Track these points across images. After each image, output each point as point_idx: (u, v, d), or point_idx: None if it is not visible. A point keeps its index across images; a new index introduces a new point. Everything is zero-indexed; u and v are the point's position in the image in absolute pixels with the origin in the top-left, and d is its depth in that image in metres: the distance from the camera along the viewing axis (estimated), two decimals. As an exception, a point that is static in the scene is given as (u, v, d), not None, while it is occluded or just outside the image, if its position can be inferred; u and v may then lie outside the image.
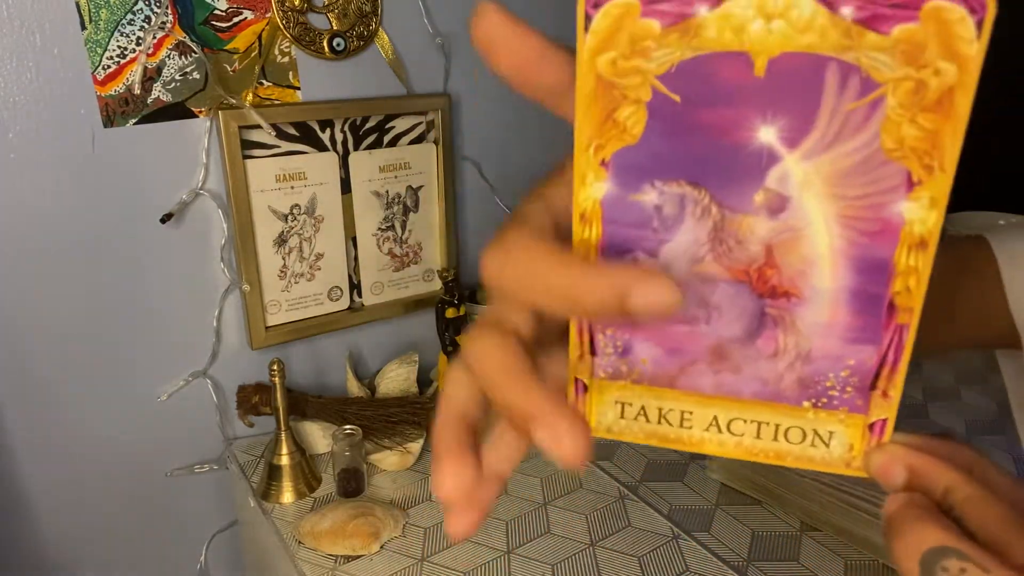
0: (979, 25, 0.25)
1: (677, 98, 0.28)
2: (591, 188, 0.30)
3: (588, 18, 0.28)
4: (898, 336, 0.29)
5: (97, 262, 0.76)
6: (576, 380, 0.33)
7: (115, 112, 0.73)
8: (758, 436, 0.33)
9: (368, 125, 0.87)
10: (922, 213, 0.28)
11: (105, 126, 0.73)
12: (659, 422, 0.33)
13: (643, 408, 0.34)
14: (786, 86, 0.28)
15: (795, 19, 0.27)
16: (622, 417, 0.34)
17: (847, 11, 0.26)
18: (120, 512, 0.84)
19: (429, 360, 0.97)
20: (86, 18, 0.70)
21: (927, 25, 0.26)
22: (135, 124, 0.75)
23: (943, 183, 0.27)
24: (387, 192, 0.91)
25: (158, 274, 0.80)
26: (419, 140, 0.91)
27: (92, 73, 0.71)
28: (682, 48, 0.28)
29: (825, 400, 0.31)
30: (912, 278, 0.29)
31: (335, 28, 0.82)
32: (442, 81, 0.92)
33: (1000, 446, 0.79)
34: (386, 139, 0.89)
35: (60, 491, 0.80)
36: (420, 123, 0.91)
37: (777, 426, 0.32)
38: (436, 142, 0.92)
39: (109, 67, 0.72)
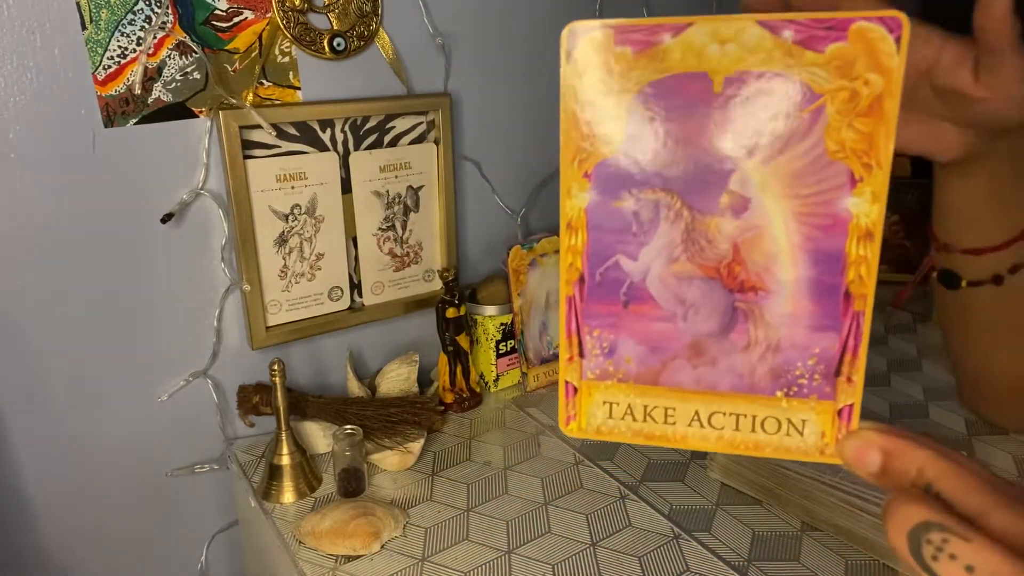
0: (898, 41, 0.29)
1: (650, 114, 0.32)
2: (576, 198, 0.34)
3: (570, 48, 0.32)
4: (856, 323, 0.33)
5: (97, 262, 0.76)
6: (567, 383, 0.37)
7: (115, 112, 0.73)
8: (737, 428, 0.35)
9: (368, 125, 0.87)
10: (866, 207, 0.31)
11: (106, 126, 0.73)
12: (645, 420, 0.36)
13: (629, 407, 0.36)
14: (741, 99, 0.31)
15: (745, 42, 0.31)
16: (610, 417, 0.36)
17: (788, 33, 0.30)
18: (120, 512, 0.84)
19: (429, 360, 0.97)
20: (87, 18, 0.70)
21: (855, 43, 0.30)
22: (135, 124, 0.75)
23: (881, 179, 0.31)
24: (387, 192, 0.91)
25: (158, 274, 0.80)
26: (419, 140, 0.91)
27: (92, 73, 0.71)
28: (651, 71, 0.32)
29: (796, 389, 0.34)
30: (863, 267, 0.32)
31: (335, 28, 0.82)
32: (442, 81, 0.92)
33: (1000, 446, 0.79)
34: (386, 139, 0.89)
35: (60, 491, 0.80)
36: (420, 123, 0.91)
37: (754, 417, 0.35)
38: (436, 142, 0.92)
39: (110, 67, 0.72)
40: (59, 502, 0.81)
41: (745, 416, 0.35)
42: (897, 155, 0.33)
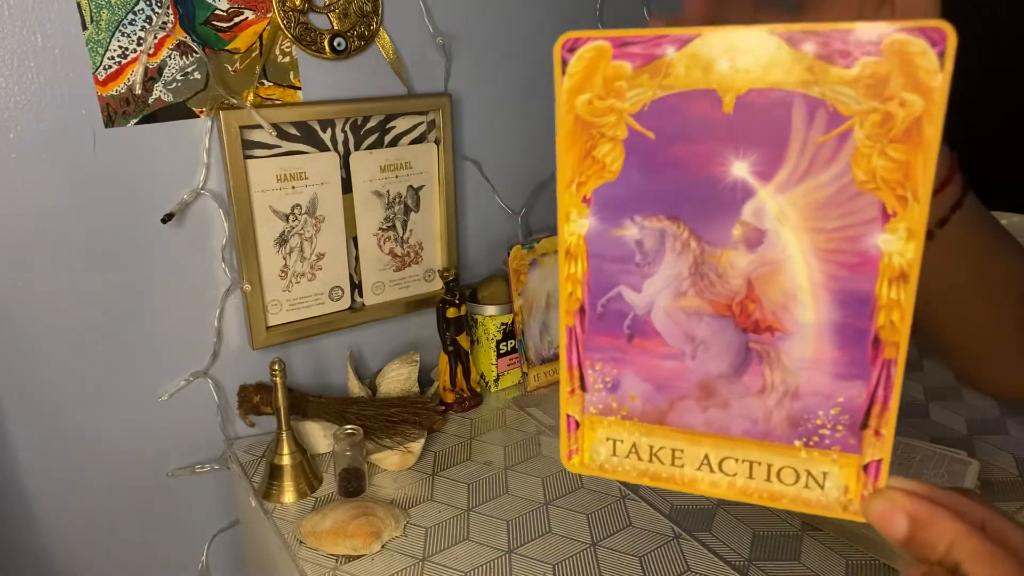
0: (941, 56, 0.26)
1: (652, 135, 0.30)
2: (575, 224, 0.32)
3: (564, 62, 0.30)
4: (886, 372, 0.29)
5: (98, 262, 0.76)
6: (568, 417, 0.35)
7: (116, 112, 0.73)
8: (751, 476, 0.32)
9: (369, 125, 0.87)
10: (900, 245, 0.28)
11: (106, 126, 0.73)
12: (651, 460, 0.34)
13: (634, 445, 0.34)
14: (755, 121, 0.28)
15: (759, 56, 0.27)
16: (614, 455, 0.34)
17: (809, 47, 0.27)
18: (121, 512, 0.84)
19: (430, 360, 0.97)
20: (87, 18, 0.70)
21: (890, 59, 0.26)
22: (136, 124, 0.75)
23: (919, 214, 0.27)
24: (388, 192, 0.91)
25: (159, 274, 0.80)
26: (420, 140, 0.91)
27: (93, 73, 0.71)
28: (654, 87, 0.29)
29: (816, 439, 0.31)
30: (896, 312, 0.28)
31: (336, 28, 0.82)
32: (443, 81, 0.92)
33: (1001, 446, 0.79)
34: (387, 139, 0.89)
35: (61, 491, 0.80)
36: (421, 123, 0.91)
37: (769, 466, 0.32)
38: (437, 142, 0.92)
39: (110, 67, 0.72)
40: (59, 502, 0.81)
41: (760, 464, 0.32)
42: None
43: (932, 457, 0.73)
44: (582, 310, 0.33)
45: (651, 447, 0.34)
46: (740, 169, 0.29)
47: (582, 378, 0.34)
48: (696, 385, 0.32)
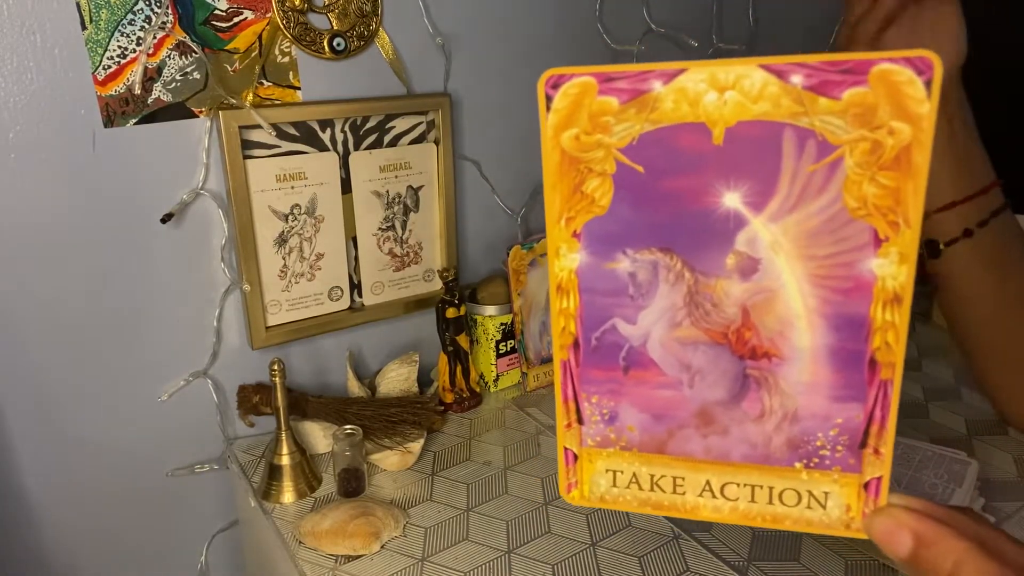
0: (928, 84, 0.26)
1: (641, 169, 0.30)
2: (565, 259, 0.32)
3: (548, 98, 0.31)
4: (883, 392, 0.30)
5: (97, 262, 0.76)
6: (566, 450, 0.34)
7: (115, 112, 0.73)
8: (753, 499, 0.33)
9: (368, 125, 0.87)
10: (892, 269, 0.28)
11: (105, 126, 0.73)
12: (652, 489, 0.34)
13: (635, 475, 0.34)
14: (745, 153, 0.29)
15: (747, 89, 0.28)
16: (614, 486, 0.34)
17: (797, 79, 0.27)
18: (120, 512, 0.84)
19: (429, 360, 0.97)
20: (87, 18, 0.70)
21: (877, 88, 0.27)
22: (135, 124, 0.75)
23: (910, 239, 0.28)
24: (387, 192, 0.91)
25: (158, 274, 0.80)
26: (419, 140, 0.91)
27: (92, 73, 0.71)
28: (641, 121, 0.29)
29: (816, 460, 0.31)
30: (891, 333, 0.29)
31: (335, 28, 0.82)
32: (442, 81, 0.92)
33: (1000, 446, 0.79)
34: (386, 139, 0.89)
35: (60, 491, 0.80)
36: (420, 123, 0.91)
37: (771, 489, 0.32)
38: (436, 142, 0.92)
39: (109, 67, 0.72)
40: (59, 502, 0.81)
41: (761, 487, 0.32)
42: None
43: (932, 457, 0.73)
44: (576, 344, 0.33)
45: (651, 476, 0.34)
46: (732, 200, 0.29)
47: (579, 411, 0.34)
48: (694, 413, 0.32)
